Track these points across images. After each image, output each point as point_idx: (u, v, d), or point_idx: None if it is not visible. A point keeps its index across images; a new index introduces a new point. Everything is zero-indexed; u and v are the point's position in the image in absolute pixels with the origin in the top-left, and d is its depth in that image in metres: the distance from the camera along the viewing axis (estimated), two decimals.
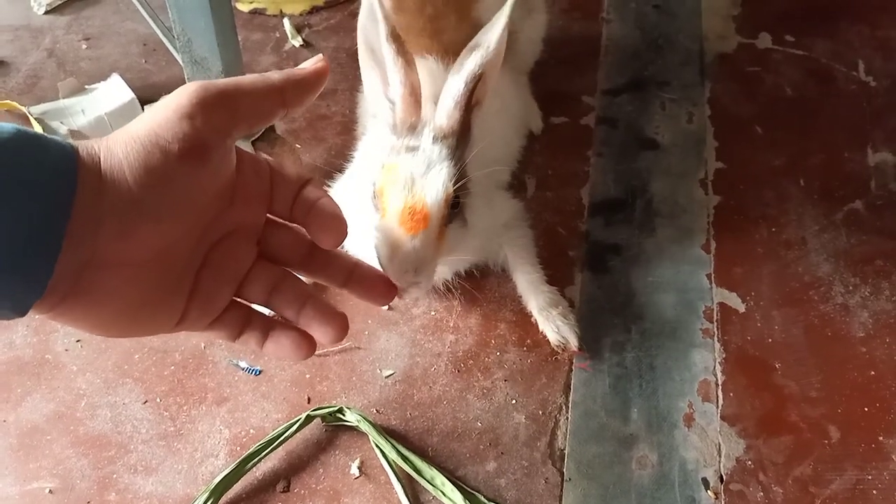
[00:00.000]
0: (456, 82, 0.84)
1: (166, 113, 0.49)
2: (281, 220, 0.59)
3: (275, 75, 0.55)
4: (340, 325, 0.59)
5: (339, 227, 0.58)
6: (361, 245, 0.87)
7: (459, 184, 0.84)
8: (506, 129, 1.10)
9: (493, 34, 0.83)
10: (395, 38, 0.83)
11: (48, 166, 0.46)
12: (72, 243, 0.46)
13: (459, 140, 0.86)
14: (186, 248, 0.53)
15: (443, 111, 0.85)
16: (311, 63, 0.57)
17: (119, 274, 0.49)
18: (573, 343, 0.98)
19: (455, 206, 0.85)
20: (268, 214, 0.58)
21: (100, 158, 0.48)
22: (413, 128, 0.86)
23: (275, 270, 0.59)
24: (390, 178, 0.82)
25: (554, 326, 0.99)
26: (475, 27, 1.04)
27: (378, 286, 0.64)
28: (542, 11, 1.24)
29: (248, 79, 0.54)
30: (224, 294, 0.57)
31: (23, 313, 0.47)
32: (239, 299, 0.58)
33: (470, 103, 0.85)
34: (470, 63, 0.83)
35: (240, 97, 0.52)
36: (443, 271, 0.99)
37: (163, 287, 0.53)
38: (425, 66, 1.00)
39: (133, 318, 0.53)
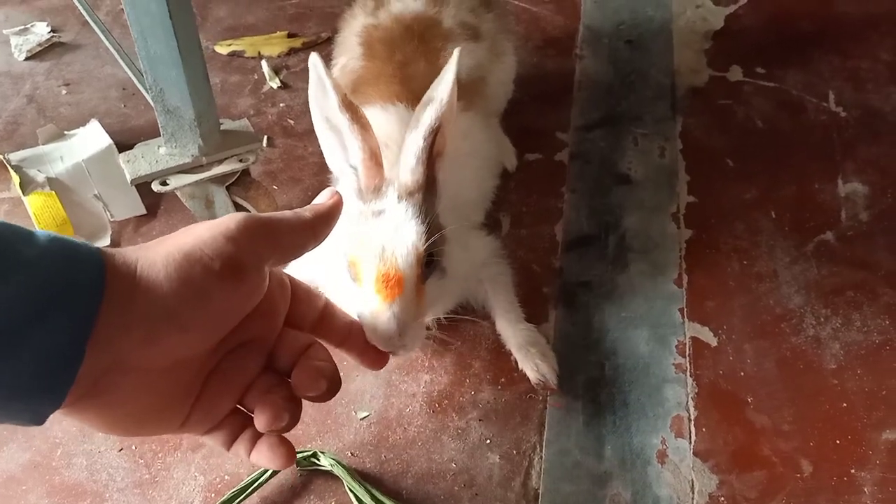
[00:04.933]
0: (415, 138, 0.85)
1: (213, 233, 0.52)
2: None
3: (306, 212, 0.59)
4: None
5: (382, 358, 0.69)
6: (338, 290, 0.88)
7: (430, 240, 0.84)
8: (478, 172, 1.11)
9: (443, 87, 0.84)
10: (348, 106, 0.84)
11: (77, 283, 0.47)
12: (95, 352, 0.47)
13: (426, 193, 0.87)
14: (203, 356, 0.56)
15: (405, 168, 0.86)
16: (328, 197, 0.61)
17: (138, 379, 0.51)
18: (552, 381, 0.98)
19: (430, 263, 0.86)
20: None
21: (136, 267, 0.50)
22: (378, 189, 0.86)
23: (272, 379, 0.60)
24: (360, 247, 0.84)
25: (533, 364, 0.99)
26: None
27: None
28: (511, 54, 1.25)
29: (287, 214, 0.58)
30: (227, 403, 0.59)
31: (40, 423, 0.48)
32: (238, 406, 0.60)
33: (431, 156, 0.86)
34: (426, 117, 0.84)
35: (280, 230, 0.56)
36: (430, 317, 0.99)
37: (175, 392, 0.55)
38: (395, 114, 1.01)
39: (141, 420, 0.55)
